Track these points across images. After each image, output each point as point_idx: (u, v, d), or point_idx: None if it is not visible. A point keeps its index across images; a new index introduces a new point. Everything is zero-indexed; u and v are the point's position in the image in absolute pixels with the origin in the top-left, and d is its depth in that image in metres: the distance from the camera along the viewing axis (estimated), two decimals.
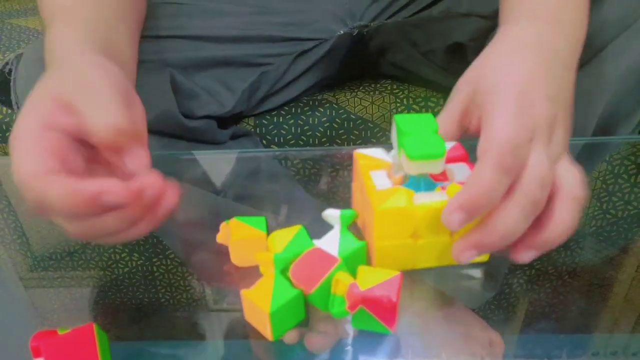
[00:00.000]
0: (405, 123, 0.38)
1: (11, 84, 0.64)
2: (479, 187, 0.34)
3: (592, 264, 0.44)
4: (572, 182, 0.36)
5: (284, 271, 0.37)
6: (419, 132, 0.38)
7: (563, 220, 0.36)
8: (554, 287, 0.42)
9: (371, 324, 0.35)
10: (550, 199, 0.36)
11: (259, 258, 0.38)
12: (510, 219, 0.34)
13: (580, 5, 0.45)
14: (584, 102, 0.43)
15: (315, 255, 0.37)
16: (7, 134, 0.88)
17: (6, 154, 0.91)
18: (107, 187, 0.34)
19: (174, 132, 0.61)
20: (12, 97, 0.63)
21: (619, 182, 0.52)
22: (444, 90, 0.77)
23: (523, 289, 0.42)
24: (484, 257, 0.40)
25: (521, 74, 0.38)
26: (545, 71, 0.39)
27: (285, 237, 0.39)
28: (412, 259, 0.39)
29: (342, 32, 0.70)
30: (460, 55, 0.69)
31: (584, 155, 0.54)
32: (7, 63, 0.65)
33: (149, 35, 0.60)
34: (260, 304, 0.35)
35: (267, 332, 0.36)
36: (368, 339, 0.36)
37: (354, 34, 0.71)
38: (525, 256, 0.37)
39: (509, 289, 0.42)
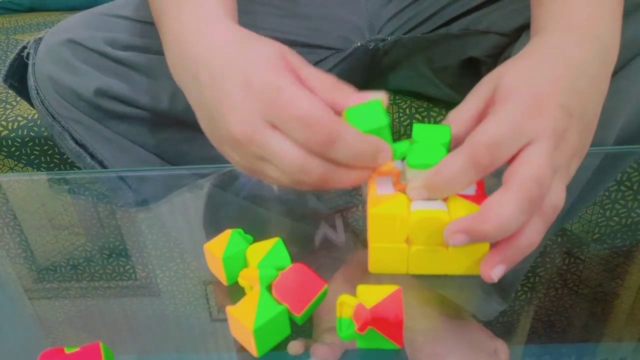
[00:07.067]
0: (419, 132, 0.39)
1: (29, 68, 0.63)
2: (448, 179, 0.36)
3: (597, 271, 0.44)
4: (556, 204, 0.36)
5: (268, 287, 0.37)
6: (428, 142, 0.38)
7: (531, 235, 0.36)
8: (559, 295, 0.42)
9: (378, 343, 0.35)
10: None
11: (243, 275, 0.38)
12: (506, 211, 0.34)
13: (614, 17, 0.44)
14: (602, 120, 0.43)
15: (300, 273, 0.37)
16: (12, 149, 0.89)
17: (11, 169, 0.91)
18: (385, 146, 0.37)
19: (196, 125, 0.61)
20: (31, 81, 0.63)
21: (622, 189, 0.52)
22: (448, 106, 0.77)
23: (527, 296, 0.42)
24: (476, 270, 0.40)
25: (540, 79, 0.38)
26: (568, 83, 0.39)
27: (262, 250, 0.40)
28: (406, 264, 0.39)
29: (359, 44, 0.70)
30: (473, 71, 0.69)
31: (597, 171, 0.54)
32: (24, 47, 0.64)
33: None
34: (244, 321, 0.35)
35: (252, 349, 0.36)
36: (374, 350, 0.36)
37: (370, 47, 0.71)
38: (496, 272, 0.36)
39: (513, 296, 0.42)
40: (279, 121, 0.37)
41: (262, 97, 0.37)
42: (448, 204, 0.38)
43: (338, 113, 0.38)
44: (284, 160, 0.37)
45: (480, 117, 0.40)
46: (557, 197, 0.36)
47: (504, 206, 0.34)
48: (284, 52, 0.40)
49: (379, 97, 0.39)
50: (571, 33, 0.42)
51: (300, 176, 0.37)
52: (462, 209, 0.37)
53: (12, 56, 0.65)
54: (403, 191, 0.39)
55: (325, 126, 0.36)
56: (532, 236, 0.36)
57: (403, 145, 0.39)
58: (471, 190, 0.38)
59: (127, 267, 0.47)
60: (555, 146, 0.36)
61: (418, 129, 0.40)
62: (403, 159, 0.39)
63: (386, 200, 0.38)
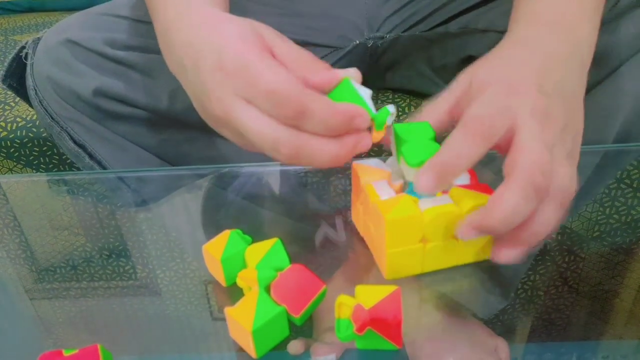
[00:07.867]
0: (404, 131, 0.40)
1: (28, 68, 0.63)
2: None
3: (597, 269, 0.44)
4: (562, 184, 0.37)
5: (267, 288, 0.37)
6: (417, 139, 0.39)
7: (544, 221, 0.36)
8: (559, 293, 0.42)
9: (377, 343, 0.35)
10: None
11: (241, 275, 0.38)
12: (508, 203, 0.35)
13: (585, 8, 0.45)
14: (601, 119, 0.43)
15: (299, 274, 0.37)
16: (11, 150, 0.89)
17: (10, 170, 0.91)
18: (359, 111, 0.38)
19: (195, 125, 0.61)
20: (30, 81, 0.63)
21: (622, 187, 0.52)
22: None
23: (528, 294, 0.42)
24: (486, 254, 0.41)
25: (510, 68, 0.40)
26: (537, 65, 0.40)
27: (261, 250, 0.39)
28: (421, 262, 0.40)
29: (358, 42, 0.70)
30: None
31: (597, 169, 0.54)
32: (23, 47, 0.64)
33: None
34: (242, 322, 0.35)
35: (251, 350, 0.36)
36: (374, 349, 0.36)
37: (369, 45, 0.71)
38: (505, 255, 0.37)
39: (514, 294, 0.42)
40: (250, 97, 0.38)
41: (233, 74, 0.38)
42: (451, 196, 0.38)
43: (311, 88, 0.38)
44: (257, 135, 0.38)
45: (453, 112, 0.41)
46: (562, 178, 0.37)
47: (506, 198, 0.35)
48: (259, 30, 0.41)
49: (350, 75, 0.40)
50: (537, 26, 0.44)
51: (274, 151, 0.38)
52: (466, 198, 0.38)
53: (10, 56, 0.64)
54: (399, 191, 0.40)
55: (293, 100, 0.36)
56: (543, 219, 0.36)
57: (383, 114, 0.39)
58: (466, 180, 0.40)
59: (126, 268, 0.47)
60: (541, 126, 0.37)
61: (400, 128, 0.40)
62: (383, 126, 0.40)
63: (395, 204, 0.38)
